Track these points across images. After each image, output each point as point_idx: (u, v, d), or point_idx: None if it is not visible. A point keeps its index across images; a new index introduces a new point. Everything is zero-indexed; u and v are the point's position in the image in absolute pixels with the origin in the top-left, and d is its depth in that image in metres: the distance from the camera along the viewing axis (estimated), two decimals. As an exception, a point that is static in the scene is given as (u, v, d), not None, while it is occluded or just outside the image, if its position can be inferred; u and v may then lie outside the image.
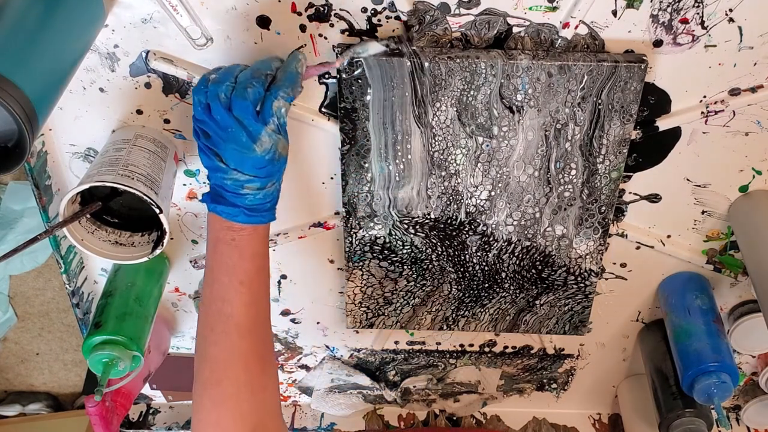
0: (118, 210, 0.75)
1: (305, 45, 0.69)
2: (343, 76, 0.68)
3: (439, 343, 0.95)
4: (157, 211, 0.68)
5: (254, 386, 0.66)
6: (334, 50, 0.68)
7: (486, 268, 0.82)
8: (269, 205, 0.66)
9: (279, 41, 0.69)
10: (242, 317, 0.66)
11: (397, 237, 0.80)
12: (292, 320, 0.93)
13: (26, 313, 1.87)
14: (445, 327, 0.89)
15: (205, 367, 0.66)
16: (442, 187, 0.76)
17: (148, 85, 0.72)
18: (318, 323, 0.93)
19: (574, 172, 0.74)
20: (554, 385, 1.01)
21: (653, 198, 0.79)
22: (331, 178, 0.78)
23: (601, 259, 0.81)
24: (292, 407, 1.05)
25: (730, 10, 0.65)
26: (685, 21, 0.66)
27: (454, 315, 0.87)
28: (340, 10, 0.67)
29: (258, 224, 0.65)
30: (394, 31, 0.68)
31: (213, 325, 0.66)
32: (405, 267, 0.83)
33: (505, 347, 0.96)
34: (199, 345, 0.67)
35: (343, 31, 0.68)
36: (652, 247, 0.82)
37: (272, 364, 0.69)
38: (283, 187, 0.79)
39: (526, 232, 0.79)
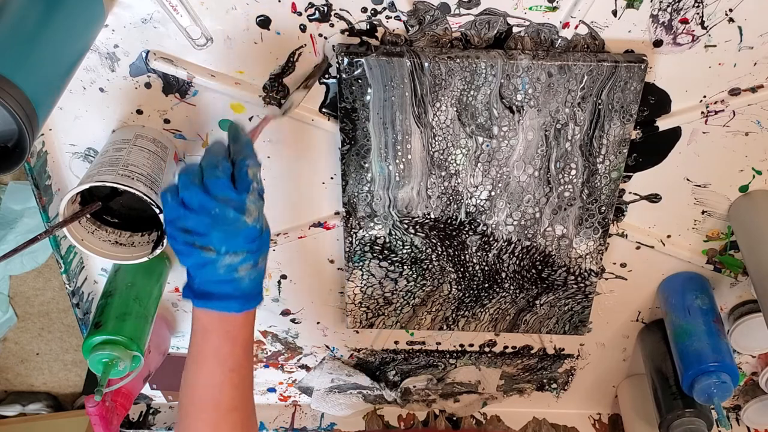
0: (118, 210, 0.75)
1: (305, 45, 0.69)
2: (343, 76, 0.68)
3: (439, 343, 0.95)
4: (157, 211, 0.68)
5: None
6: (333, 50, 0.68)
7: (486, 268, 0.82)
8: (260, 287, 0.64)
9: (279, 41, 0.69)
10: (229, 398, 0.65)
11: (397, 237, 0.80)
12: (292, 320, 0.93)
13: (26, 313, 1.87)
14: (445, 327, 0.89)
15: None
16: (442, 187, 0.76)
17: (148, 85, 0.72)
18: (318, 323, 0.93)
19: (574, 172, 0.74)
20: (554, 385, 1.01)
21: (653, 198, 0.79)
22: (331, 178, 0.78)
23: (601, 259, 0.81)
24: (292, 407, 1.05)
25: (730, 10, 0.65)
26: (685, 21, 0.66)
27: (454, 315, 0.87)
28: (340, 10, 0.67)
29: (251, 309, 0.64)
30: (394, 30, 0.68)
31: (198, 404, 0.65)
32: (405, 267, 0.83)
33: (505, 347, 0.96)
34: (182, 418, 0.66)
35: (343, 31, 0.68)
36: (652, 247, 0.82)
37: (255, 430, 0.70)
38: (283, 187, 0.79)
39: (526, 232, 0.79)
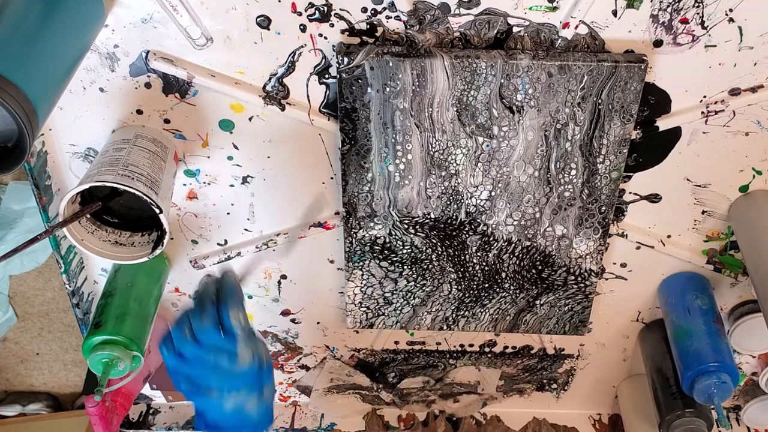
0: (118, 210, 0.75)
1: (305, 45, 0.69)
2: (344, 76, 0.68)
3: (439, 343, 0.95)
4: (157, 211, 0.68)
5: None
6: (333, 50, 0.68)
7: (486, 268, 0.82)
8: (268, 412, 0.66)
9: (279, 41, 0.69)
10: None
11: (397, 237, 0.80)
12: (292, 320, 0.93)
13: (26, 313, 1.87)
14: (445, 327, 0.89)
15: None
16: (442, 187, 0.76)
17: (148, 85, 0.72)
18: (318, 323, 0.93)
19: (574, 172, 0.74)
20: (554, 386, 1.01)
21: (653, 198, 0.79)
22: (331, 178, 0.78)
23: (601, 259, 0.81)
24: (292, 407, 1.05)
25: (730, 10, 0.65)
26: (685, 21, 0.66)
27: (454, 315, 0.87)
28: (340, 10, 0.67)
29: None
30: (395, 29, 0.68)
31: None
32: (405, 267, 0.83)
33: (505, 347, 0.96)
34: None
35: (343, 31, 0.68)
36: (652, 247, 0.82)
37: None
38: (283, 187, 0.79)
39: (526, 232, 0.79)
